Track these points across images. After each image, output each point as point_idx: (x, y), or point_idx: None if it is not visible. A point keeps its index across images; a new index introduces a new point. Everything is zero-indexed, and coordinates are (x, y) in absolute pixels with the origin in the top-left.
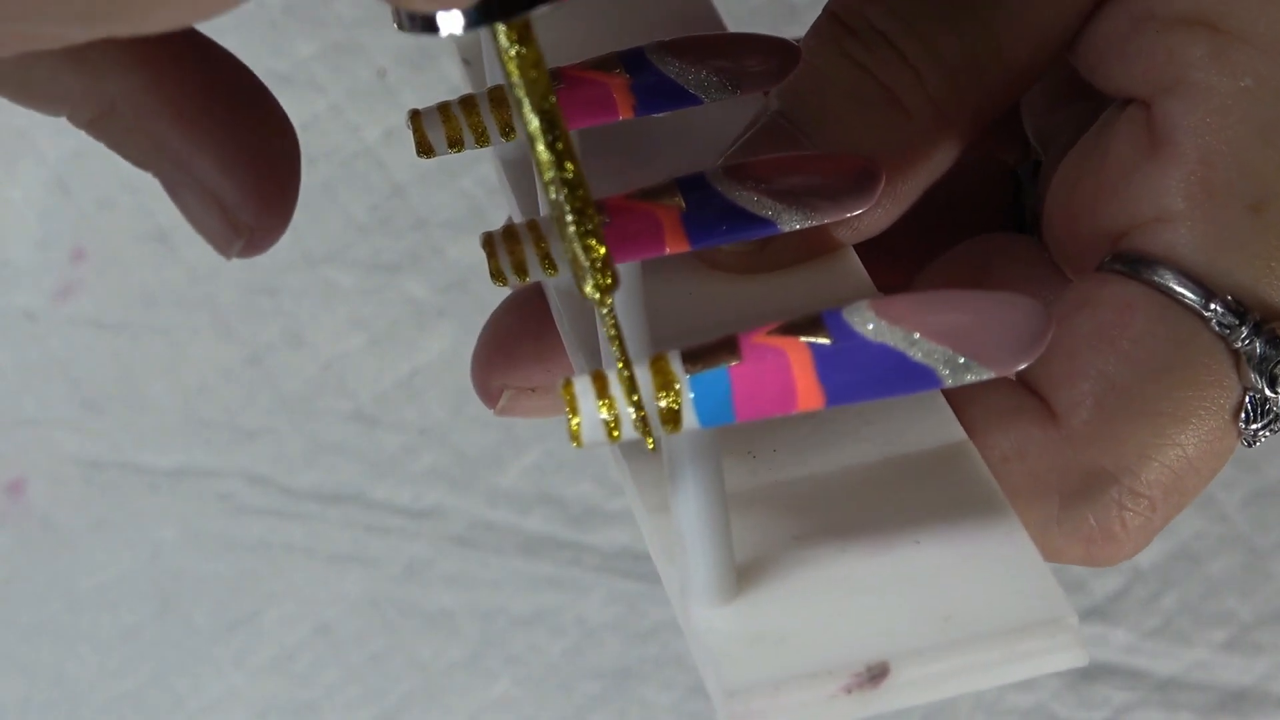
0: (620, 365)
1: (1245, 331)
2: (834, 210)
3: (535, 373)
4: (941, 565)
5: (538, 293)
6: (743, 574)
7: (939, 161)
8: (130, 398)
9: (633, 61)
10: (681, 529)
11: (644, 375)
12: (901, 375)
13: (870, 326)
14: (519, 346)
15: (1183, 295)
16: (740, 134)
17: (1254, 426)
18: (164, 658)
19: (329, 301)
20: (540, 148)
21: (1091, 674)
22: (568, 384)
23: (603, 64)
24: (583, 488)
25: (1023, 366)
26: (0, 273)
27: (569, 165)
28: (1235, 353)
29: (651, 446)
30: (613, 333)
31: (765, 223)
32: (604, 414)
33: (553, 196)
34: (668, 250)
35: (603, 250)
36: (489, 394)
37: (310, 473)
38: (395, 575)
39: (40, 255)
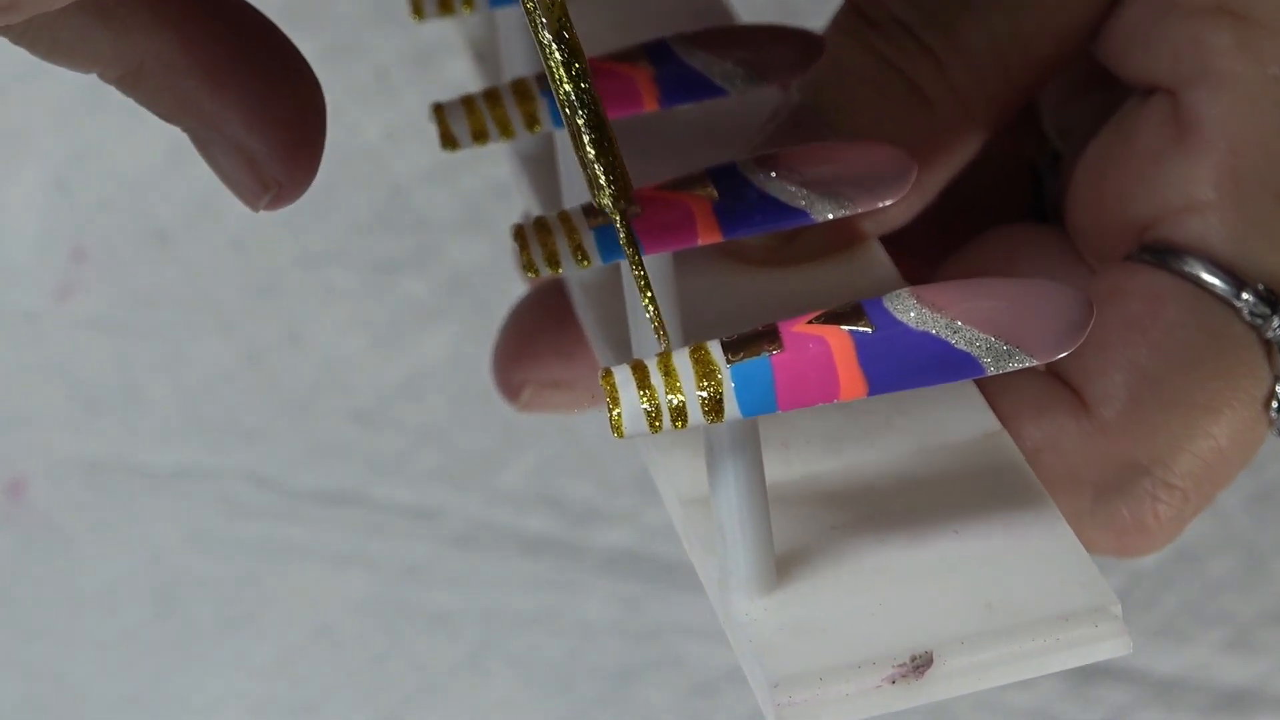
0: (655, 326)
1: (1277, 321)
2: (867, 200)
3: (557, 367)
4: (981, 554)
5: (558, 288)
6: (781, 564)
7: (962, 152)
8: (130, 398)
9: (657, 53)
10: (721, 519)
11: (684, 364)
12: (944, 363)
13: (912, 314)
14: (540, 341)
15: (1213, 285)
16: (762, 126)
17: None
18: (164, 658)
19: (329, 301)
20: (556, 58)
21: (1091, 674)
22: (608, 374)
23: (626, 55)
24: (583, 488)
25: (1066, 353)
26: (0, 273)
27: (584, 79)
28: (1267, 342)
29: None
30: (638, 272)
31: (798, 213)
32: (645, 404)
33: (568, 113)
34: (700, 241)
35: (619, 162)
36: (511, 389)
37: (310, 473)
38: (395, 576)
39: (40, 255)
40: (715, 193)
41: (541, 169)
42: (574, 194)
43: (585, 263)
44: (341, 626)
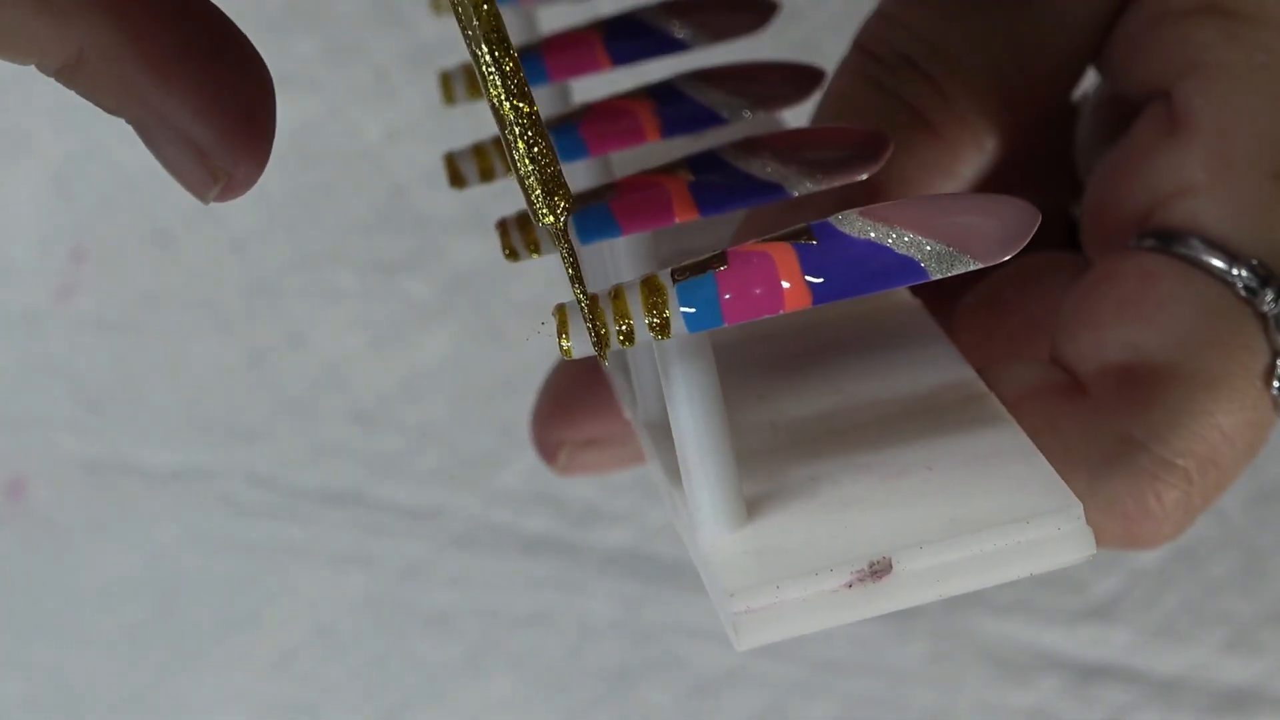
0: (577, 292)
1: (1271, 294)
2: (843, 174)
3: (590, 426)
4: (951, 482)
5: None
6: (753, 506)
7: (971, 175)
8: (130, 398)
9: (660, 90)
10: (682, 446)
11: (633, 290)
12: (887, 269)
13: (856, 227)
14: (575, 402)
15: (1208, 262)
16: None
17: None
18: (164, 658)
19: (329, 301)
20: (487, 60)
21: (1091, 674)
22: (560, 306)
23: (630, 95)
24: (583, 488)
25: (1008, 256)
26: (0, 273)
27: (516, 88)
28: (1262, 316)
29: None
30: (566, 257)
31: (774, 188)
32: (592, 330)
33: (504, 113)
34: (677, 219)
35: (555, 168)
36: (548, 450)
37: (310, 473)
38: (395, 575)
39: (40, 255)
40: (691, 174)
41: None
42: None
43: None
44: (341, 626)
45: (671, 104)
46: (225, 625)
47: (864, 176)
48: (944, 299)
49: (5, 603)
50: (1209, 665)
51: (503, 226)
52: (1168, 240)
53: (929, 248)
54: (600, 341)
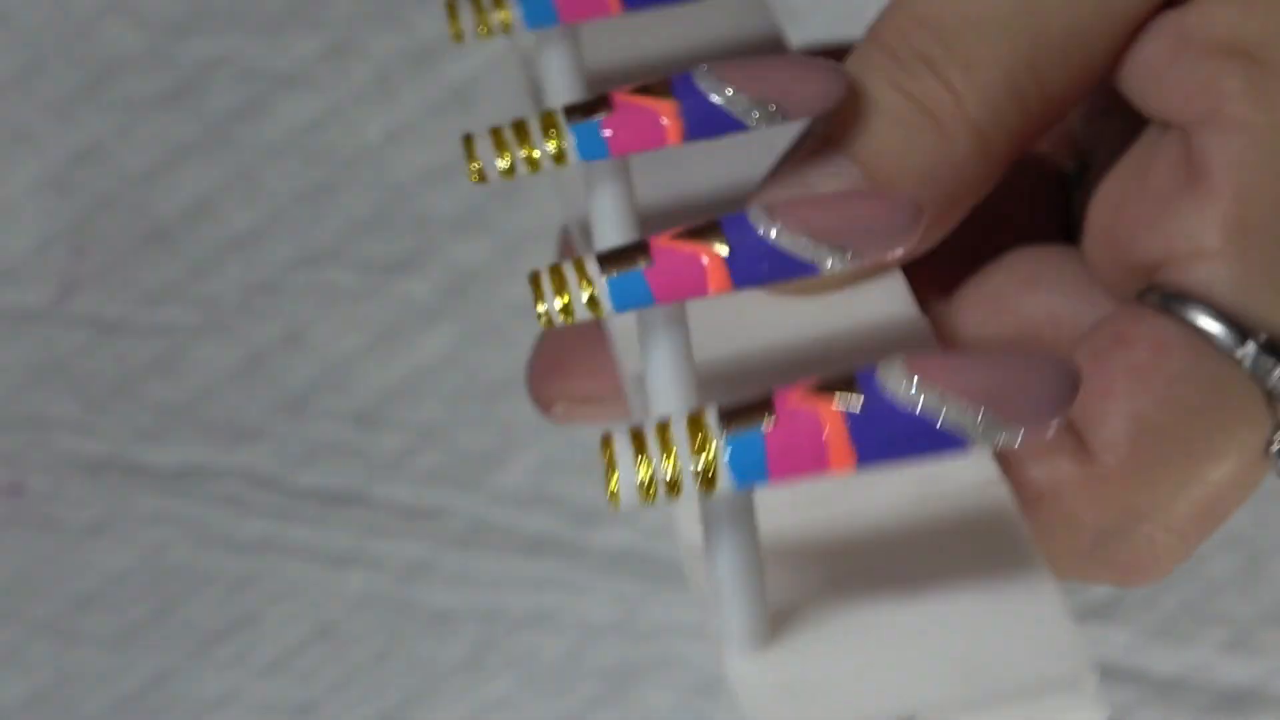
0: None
1: (1278, 370)
2: (875, 251)
3: (588, 384)
4: (968, 614)
5: None
6: (777, 616)
7: (981, 183)
8: (130, 398)
9: (683, 86)
10: (717, 581)
11: (681, 435)
12: (933, 439)
13: (902, 388)
14: (572, 358)
15: (1216, 337)
16: (787, 154)
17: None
18: (164, 658)
19: (329, 301)
20: None
21: None
22: (607, 441)
23: (652, 89)
24: (583, 488)
25: (1052, 429)
26: (0, 273)
27: None
28: (1269, 391)
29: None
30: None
31: (807, 266)
32: (641, 475)
33: None
34: (711, 293)
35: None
36: (544, 404)
37: (311, 473)
38: (396, 575)
39: (40, 255)
40: (727, 247)
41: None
42: (601, 230)
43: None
44: (341, 626)
45: (695, 107)
46: (225, 625)
47: (896, 254)
48: (946, 274)
49: (5, 603)
50: (1209, 665)
51: (535, 283)
52: (1179, 302)
53: (979, 420)
54: (646, 487)
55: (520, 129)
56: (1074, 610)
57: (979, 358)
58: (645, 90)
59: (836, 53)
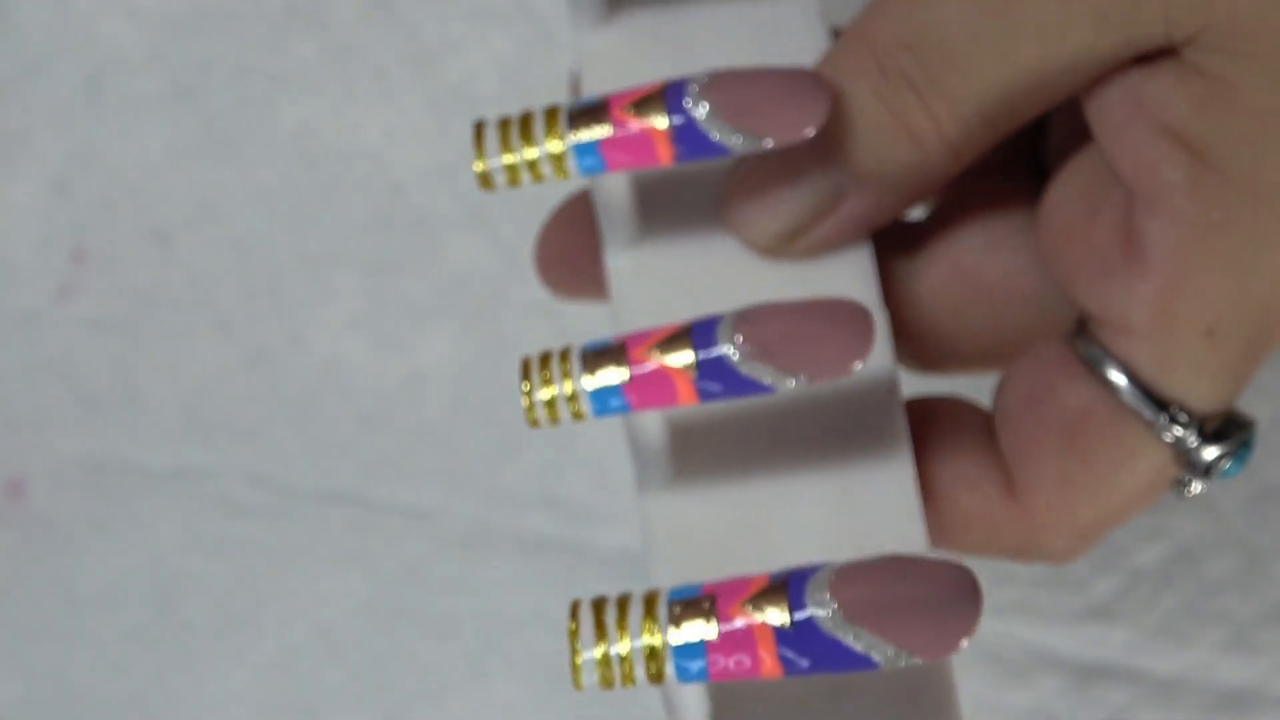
0: None
1: (1187, 435)
2: (826, 374)
3: (596, 271)
4: (836, 487)
5: (582, 209)
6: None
7: (948, 179)
8: (130, 398)
9: (674, 102)
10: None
11: (637, 633)
12: (847, 660)
13: (828, 616)
14: (581, 247)
15: (1134, 406)
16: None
17: (1186, 491)
18: (164, 658)
19: (329, 301)
20: None
21: (1091, 674)
22: (575, 609)
23: (648, 104)
24: (583, 488)
25: (950, 654)
26: (0, 273)
27: None
28: (1181, 452)
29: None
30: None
31: (764, 387)
32: (596, 655)
33: None
34: (680, 404)
35: None
36: (553, 285)
37: (310, 473)
38: (395, 576)
39: (40, 255)
40: (696, 369)
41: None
42: (612, 236)
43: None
44: (341, 627)
45: (688, 137)
46: (225, 625)
47: (849, 375)
48: (903, 253)
49: (5, 603)
50: (1209, 665)
51: (526, 371)
52: (1104, 361)
53: (886, 650)
54: (603, 670)
55: (526, 130)
56: (1074, 611)
57: (895, 573)
58: (641, 108)
59: None
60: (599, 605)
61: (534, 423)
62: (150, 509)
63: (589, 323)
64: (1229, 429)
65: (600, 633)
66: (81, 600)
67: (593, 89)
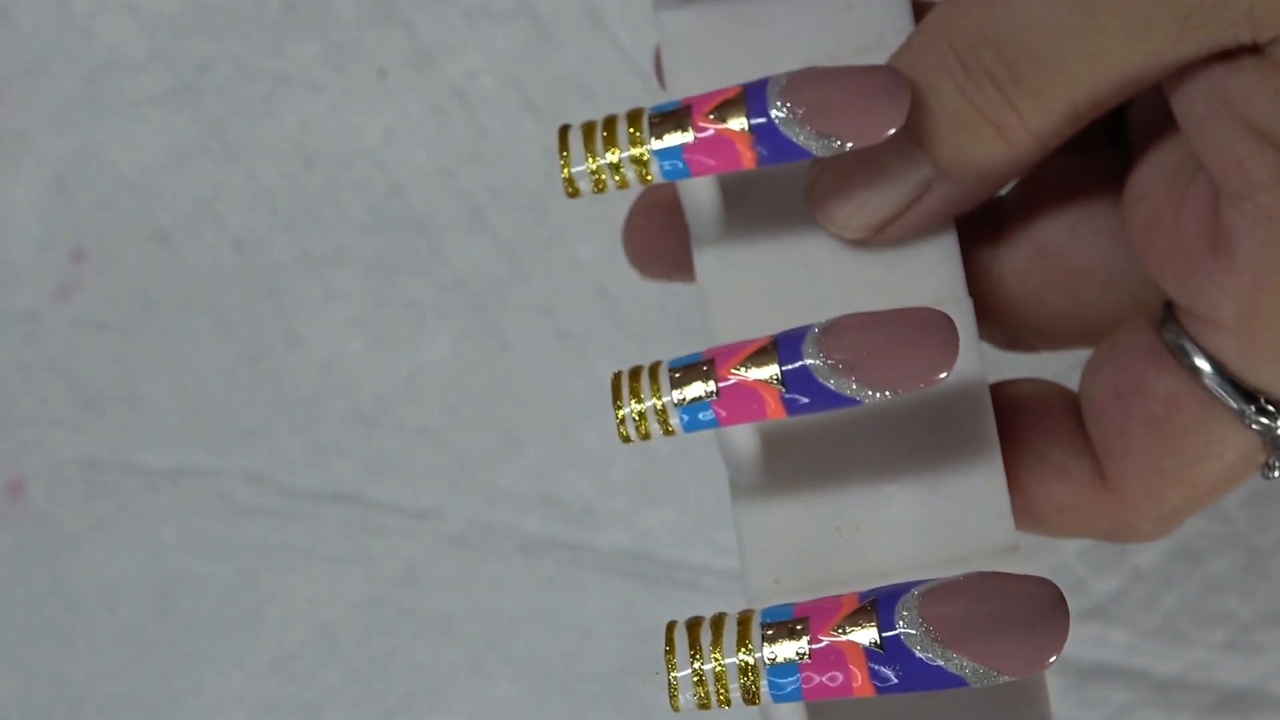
0: None
1: (1276, 425)
2: (908, 388)
3: (680, 259)
4: (925, 491)
5: (665, 198)
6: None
7: (1035, 163)
8: (130, 398)
9: (755, 103)
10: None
11: (731, 655)
12: (937, 680)
13: (917, 634)
14: (664, 240)
15: (1223, 398)
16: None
17: (1271, 473)
18: (164, 658)
19: (329, 301)
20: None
21: (1091, 674)
22: (670, 630)
23: (729, 108)
24: (583, 488)
25: (1038, 672)
26: (0, 273)
27: None
28: (1271, 441)
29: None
30: None
31: (848, 400)
32: (695, 680)
33: None
34: (768, 417)
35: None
36: (640, 267)
37: (310, 473)
38: (395, 575)
39: (40, 255)
40: (783, 385)
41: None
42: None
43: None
44: (341, 626)
45: (769, 141)
46: (225, 625)
47: (934, 386)
48: (986, 239)
49: (5, 603)
50: (1209, 665)
51: (615, 386)
52: (1190, 352)
53: (976, 670)
54: (699, 691)
55: (610, 135)
56: (1074, 611)
57: (983, 597)
58: (723, 112)
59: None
60: (693, 626)
61: (625, 438)
62: (150, 509)
63: (590, 323)
64: None
65: (696, 653)
66: (81, 600)
67: (673, 68)
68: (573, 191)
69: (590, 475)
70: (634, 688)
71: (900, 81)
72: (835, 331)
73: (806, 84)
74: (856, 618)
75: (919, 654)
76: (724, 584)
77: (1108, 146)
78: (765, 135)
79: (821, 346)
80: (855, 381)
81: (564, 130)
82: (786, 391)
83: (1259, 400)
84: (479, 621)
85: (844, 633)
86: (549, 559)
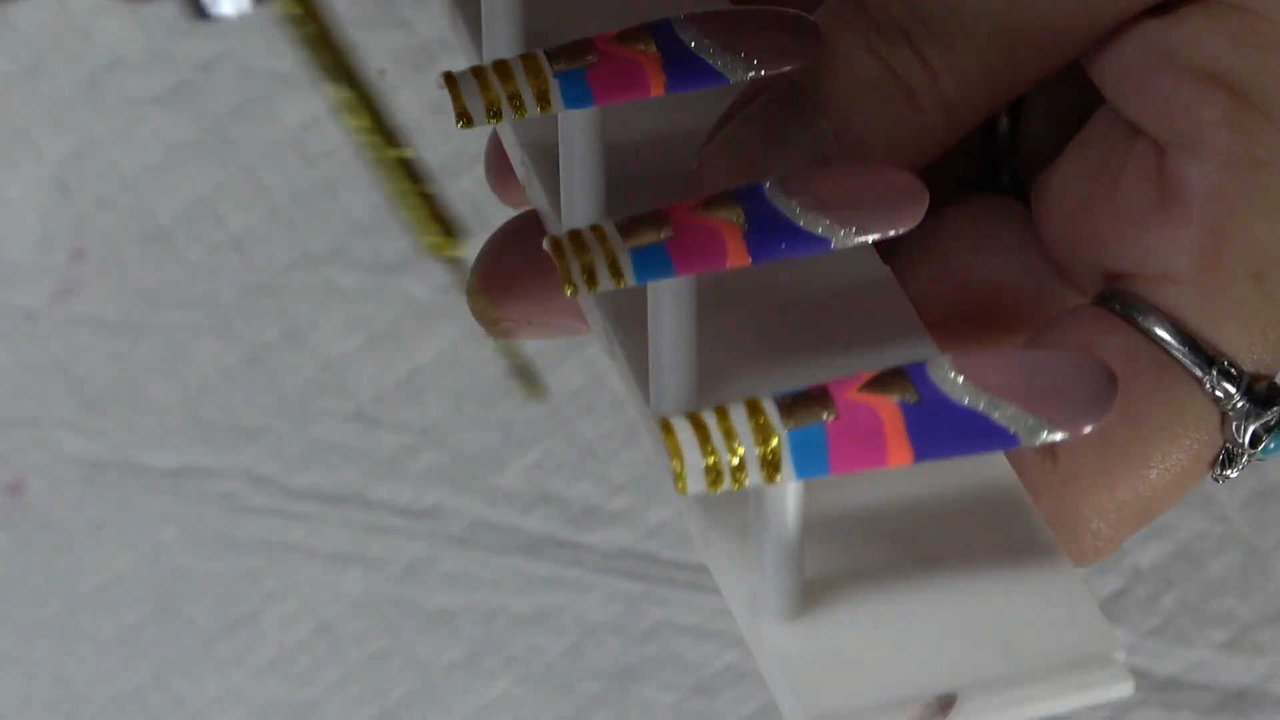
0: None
1: (1237, 395)
2: (885, 227)
3: (534, 310)
4: (996, 597)
5: (536, 224)
6: (806, 591)
7: (941, 149)
8: (130, 398)
9: (663, 34)
10: (761, 552)
11: (743, 425)
12: (983, 436)
13: (955, 386)
14: (518, 281)
15: (1180, 356)
16: (747, 95)
17: (1226, 472)
18: (164, 658)
19: (329, 301)
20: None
21: None
22: (668, 428)
23: (633, 37)
24: (583, 488)
25: (1091, 428)
26: (0, 273)
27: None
28: (1224, 414)
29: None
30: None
31: (821, 240)
32: (707, 462)
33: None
34: (729, 265)
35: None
36: (486, 323)
37: (310, 473)
38: (395, 575)
39: (40, 255)
40: (745, 221)
41: (545, 157)
42: (576, 190)
43: (619, 280)
44: (341, 626)
45: (676, 58)
46: (225, 625)
47: (901, 231)
48: (880, 253)
49: (5, 603)
50: (1209, 665)
51: (558, 249)
52: (1145, 315)
53: (1025, 419)
54: (712, 474)
55: (504, 72)
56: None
57: (1021, 357)
58: (626, 39)
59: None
60: (694, 415)
61: (572, 289)
62: (150, 509)
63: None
64: (1276, 396)
65: (703, 435)
66: (81, 600)
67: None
68: (466, 121)
69: (591, 475)
70: (634, 688)
71: (812, 23)
72: (799, 181)
73: (711, 15)
74: (884, 381)
75: (960, 403)
76: None
77: (1003, 193)
78: (674, 56)
79: (786, 190)
80: (823, 215)
81: (448, 74)
82: (749, 232)
83: (1221, 362)
84: (479, 621)
85: (874, 390)
86: (549, 559)
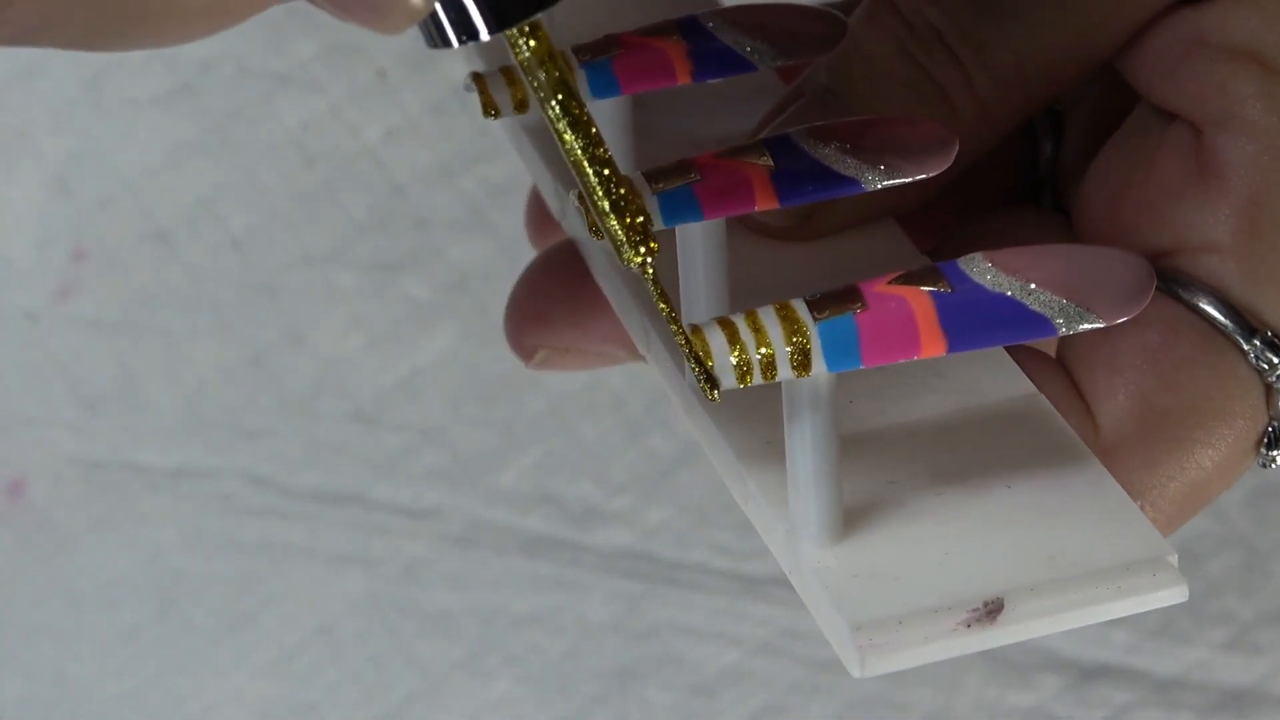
0: (674, 329)
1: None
2: (914, 170)
3: (571, 335)
4: (1036, 507)
5: (573, 253)
6: (845, 516)
7: (978, 151)
8: (130, 398)
9: (689, 28)
10: (797, 471)
11: (772, 321)
12: (1020, 323)
13: (988, 276)
14: (555, 309)
15: (1224, 326)
16: (784, 102)
17: (1273, 453)
18: (164, 658)
19: (329, 301)
20: (567, 136)
21: (1091, 674)
22: (698, 331)
23: (659, 30)
24: (583, 488)
25: (1130, 316)
26: (0, 273)
27: (598, 145)
28: (1268, 386)
29: (714, 398)
30: (657, 294)
31: (851, 182)
32: (735, 358)
33: (588, 177)
34: (757, 207)
35: (639, 220)
36: (524, 351)
37: (310, 473)
38: (395, 575)
39: (40, 255)
40: (772, 161)
41: (548, 139)
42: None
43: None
44: (341, 626)
45: (703, 46)
46: (225, 625)
47: (934, 174)
48: (923, 237)
49: (5, 603)
50: (1209, 665)
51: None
52: (1188, 289)
53: (1061, 304)
54: (742, 367)
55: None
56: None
57: (1054, 249)
58: (654, 32)
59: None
60: (723, 318)
61: (595, 230)
62: (150, 509)
63: None
64: None
65: (732, 335)
66: (81, 600)
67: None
68: (491, 111)
69: (591, 475)
70: (634, 688)
71: (839, 17)
72: (827, 128)
73: (737, 9)
74: (915, 275)
75: (994, 289)
76: (725, 584)
77: (1037, 208)
78: (700, 44)
79: (815, 135)
80: (852, 156)
81: (476, 74)
82: (775, 167)
83: (1264, 333)
84: (479, 621)
85: (905, 281)
86: (549, 559)
